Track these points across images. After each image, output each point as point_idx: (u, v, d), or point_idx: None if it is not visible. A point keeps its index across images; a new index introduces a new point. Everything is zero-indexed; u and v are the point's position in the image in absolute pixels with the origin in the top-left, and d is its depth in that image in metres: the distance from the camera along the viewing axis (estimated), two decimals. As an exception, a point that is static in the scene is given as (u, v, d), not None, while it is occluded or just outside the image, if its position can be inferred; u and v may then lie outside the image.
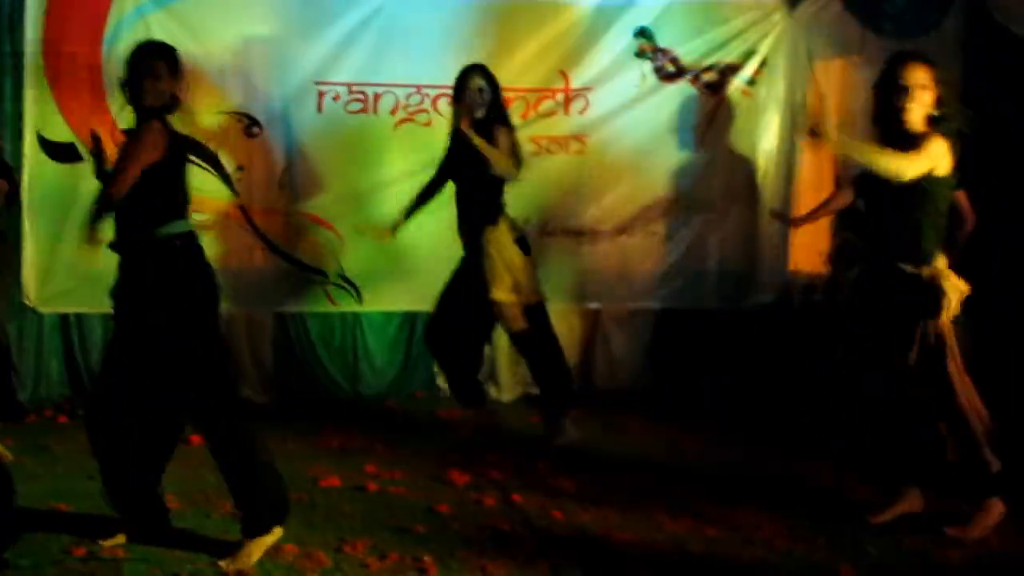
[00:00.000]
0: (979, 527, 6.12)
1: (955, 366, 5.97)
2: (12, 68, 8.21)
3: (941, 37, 9.25)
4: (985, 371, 6.39)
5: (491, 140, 7.49)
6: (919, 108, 5.89)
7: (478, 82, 7.60)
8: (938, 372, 5.96)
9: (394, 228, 8.03)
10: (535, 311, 7.80)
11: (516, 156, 7.67)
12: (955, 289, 5.92)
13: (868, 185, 6.12)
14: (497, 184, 7.66)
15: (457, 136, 7.60)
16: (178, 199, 5.73)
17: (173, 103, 5.72)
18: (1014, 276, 8.01)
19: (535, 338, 7.84)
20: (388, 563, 5.63)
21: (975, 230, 7.25)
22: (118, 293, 5.68)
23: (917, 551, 5.94)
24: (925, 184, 5.88)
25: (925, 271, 5.94)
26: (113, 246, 5.62)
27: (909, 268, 5.95)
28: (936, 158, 5.86)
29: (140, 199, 5.54)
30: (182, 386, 5.62)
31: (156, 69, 5.62)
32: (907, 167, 5.74)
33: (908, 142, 5.87)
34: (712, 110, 9.15)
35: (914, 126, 5.90)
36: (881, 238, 6.09)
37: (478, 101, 7.56)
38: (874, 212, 6.17)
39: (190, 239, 5.72)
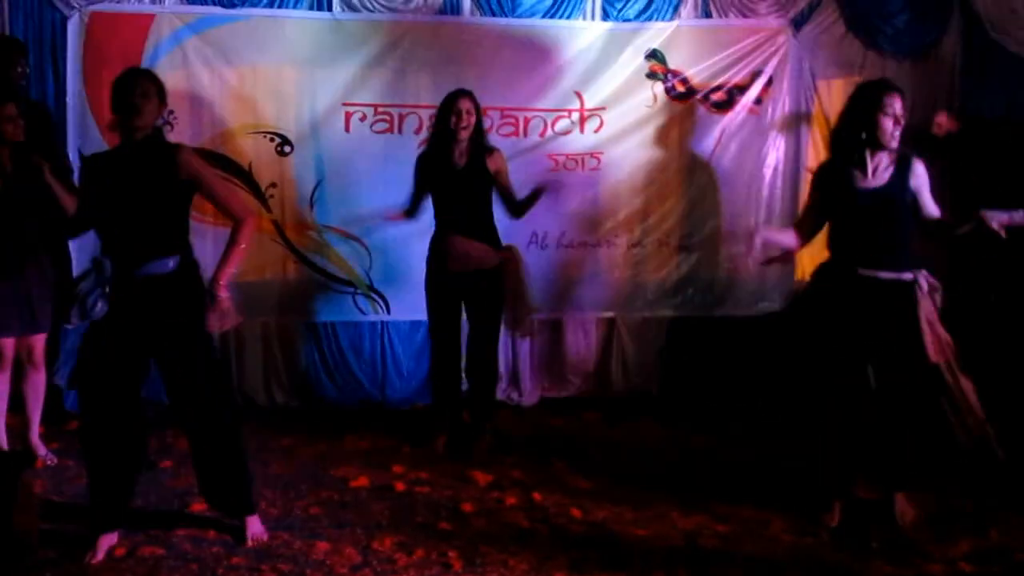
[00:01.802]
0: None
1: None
2: (55, 91, 8.27)
3: (939, 55, 9.28)
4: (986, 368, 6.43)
5: (485, 163, 7.60)
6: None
7: (466, 105, 7.57)
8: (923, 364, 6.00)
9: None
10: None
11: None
12: (935, 288, 5.99)
13: (841, 201, 6.13)
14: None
15: (472, 162, 7.62)
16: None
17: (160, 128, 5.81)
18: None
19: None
20: (415, 559, 5.68)
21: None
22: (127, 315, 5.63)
23: (919, 546, 5.93)
24: (908, 197, 5.98)
25: (908, 276, 5.97)
26: (126, 272, 5.62)
27: (889, 275, 5.98)
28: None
29: (162, 225, 5.66)
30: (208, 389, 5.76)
31: (145, 90, 5.62)
32: None
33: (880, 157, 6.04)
34: (721, 128, 9.14)
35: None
36: (862, 249, 6.08)
37: (463, 124, 7.56)
38: (850, 225, 6.16)
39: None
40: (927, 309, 5.97)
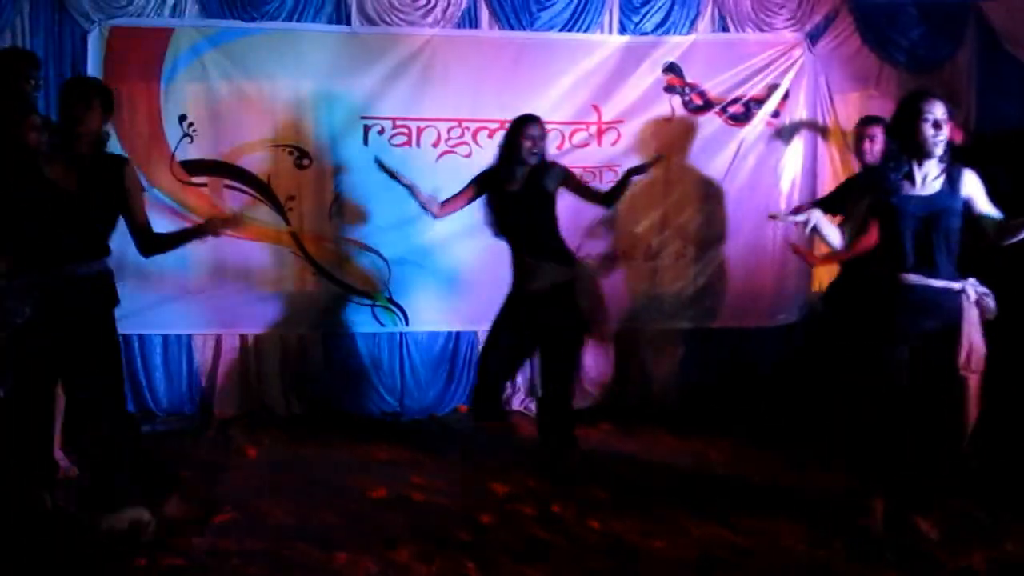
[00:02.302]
0: None
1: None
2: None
3: (954, 68, 9.28)
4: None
5: (547, 179, 7.50)
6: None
7: (537, 131, 7.51)
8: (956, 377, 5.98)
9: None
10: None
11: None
12: (986, 295, 5.99)
13: (890, 209, 6.09)
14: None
15: (533, 178, 7.51)
16: None
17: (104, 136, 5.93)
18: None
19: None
20: (433, 569, 5.67)
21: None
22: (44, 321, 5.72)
23: (933, 556, 5.92)
24: (959, 206, 5.97)
25: (957, 285, 5.96)
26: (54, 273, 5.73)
27: (940, 284, 5.96)
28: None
29: (104, 229, 5.88)
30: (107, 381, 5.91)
31: (88, 101, 5.76)
32: None
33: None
34: (738, 141, 9.18)
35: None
36: (911, 257, 6.03)
37: (535, 149, 7.50)
38: (900, 233, 6.08)
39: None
40: (972, 319, 5.96)
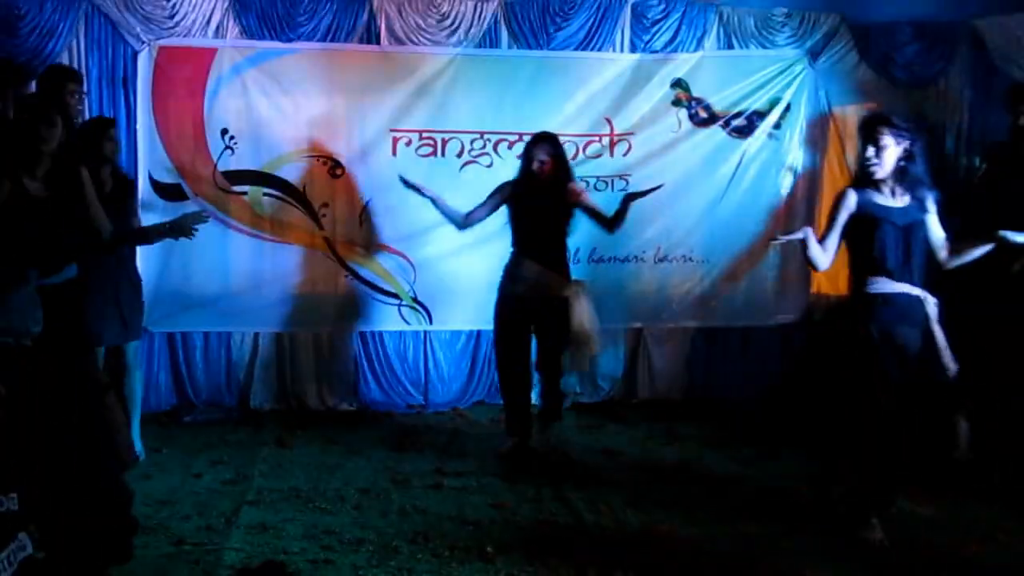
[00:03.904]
0: None
1: None
2: (127, 119, 8.56)
3: (947, 83, 9.47)
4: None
5: (563, 197, 7.73)
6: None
7: (541, 155, 7.68)
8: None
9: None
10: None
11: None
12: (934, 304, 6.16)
13: (868, 219, 6.15)
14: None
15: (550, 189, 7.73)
16: None
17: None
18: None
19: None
20: (457, 553, 5.87)
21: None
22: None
23: (934, 551, 6.07)
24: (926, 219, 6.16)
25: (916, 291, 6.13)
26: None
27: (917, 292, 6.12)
28: None
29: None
30: None
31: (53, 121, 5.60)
32: None
33: None
34: (741, 152, 9.41)
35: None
36: (884, 265, 6.10)
37: (539, 169, 7.66)
38: (876, 241, 6.12)
39: None
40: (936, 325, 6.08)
